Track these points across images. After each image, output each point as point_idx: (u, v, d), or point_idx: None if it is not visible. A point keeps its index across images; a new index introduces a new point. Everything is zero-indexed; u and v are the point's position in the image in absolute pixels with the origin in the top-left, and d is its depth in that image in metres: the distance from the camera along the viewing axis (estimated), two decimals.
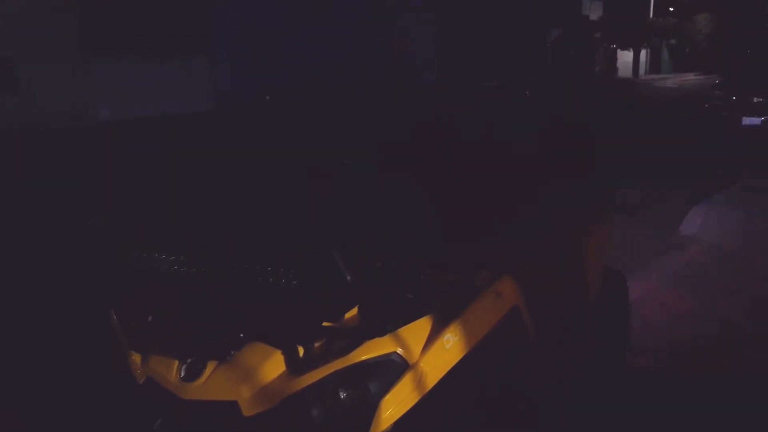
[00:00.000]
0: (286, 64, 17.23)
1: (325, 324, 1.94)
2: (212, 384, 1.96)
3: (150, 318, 2.10)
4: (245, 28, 16.78)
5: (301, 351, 1.93)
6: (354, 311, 1.98)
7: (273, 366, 1.93)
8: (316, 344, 1.92)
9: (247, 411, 1.90)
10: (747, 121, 12.19)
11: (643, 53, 36.30)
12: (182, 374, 2.02)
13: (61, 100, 13.67)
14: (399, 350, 1.89)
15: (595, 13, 31.48)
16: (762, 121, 12.05)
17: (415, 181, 2.43)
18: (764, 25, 30.94)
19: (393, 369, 1.88)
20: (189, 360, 2.02)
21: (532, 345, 2.34)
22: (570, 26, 25.36)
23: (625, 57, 34.57)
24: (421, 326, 1.97)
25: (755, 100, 12.29)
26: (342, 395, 1.86)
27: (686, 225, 6.60)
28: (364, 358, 1.86)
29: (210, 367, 1.98)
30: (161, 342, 2.07)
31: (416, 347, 1.93)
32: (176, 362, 2.04)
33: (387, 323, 1.89)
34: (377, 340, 1.87)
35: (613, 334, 3.33)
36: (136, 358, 2.16)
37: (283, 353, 1.93)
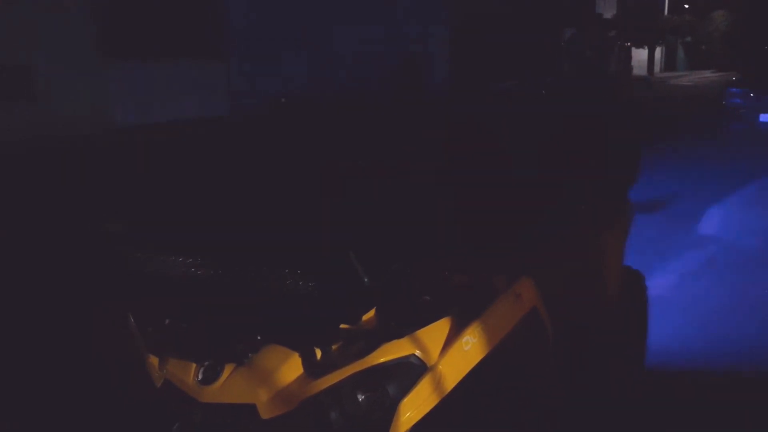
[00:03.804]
0: (300, 68, 17.27)
1: (342, 326, 1.92)
2: (230, 387, 1.95)
3: (167, 321, 2.10)
4: (259, 32, 16.84)
5: (318, 354, 1.92)
6: (371, 313, 1.96)
7: (290, 369, 1.92)
8: (334, 347, 1.91)
9: (265, 414, 1.89)
10: (765, 117, 12.06)
11: (658, 51, 36.02)
12: (200, 377, 2.01)
13: (79, 106, 13.76)
14: (417, 352, 1.87)
15: (609, 12, 31.28)
16: None
17: (431, 182, 2.42)
18: None
19: (411, 371, 1.86)
20: (206, 363, 2.02)
21: (551, 346, 2.32)
22: (584, 25, 25.20)
23: (639, 55, 34.29)
24: (440, 328, 1.95)
25: None
26: (360, 398, 1.85)
27: (705, 224, 6.56)
28: (382, 360, 1.84)
29: (227, 370, 1.97)
30: (178, 345, 2.07)
31: (435, 349, 1.91)
32: (194, 365, 2.04)
33: (405, 325, 1.88)
34: (395, 342, 1.86)
35: (633, 335, 3.30)
36: (154, 361, 2.17)
37: (300, 356, 1.92)
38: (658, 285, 4.32)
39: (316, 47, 17.70)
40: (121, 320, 2.16)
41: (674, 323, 4.08)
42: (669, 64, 37.69)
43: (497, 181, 2.54)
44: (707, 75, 31.86)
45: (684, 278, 5.07)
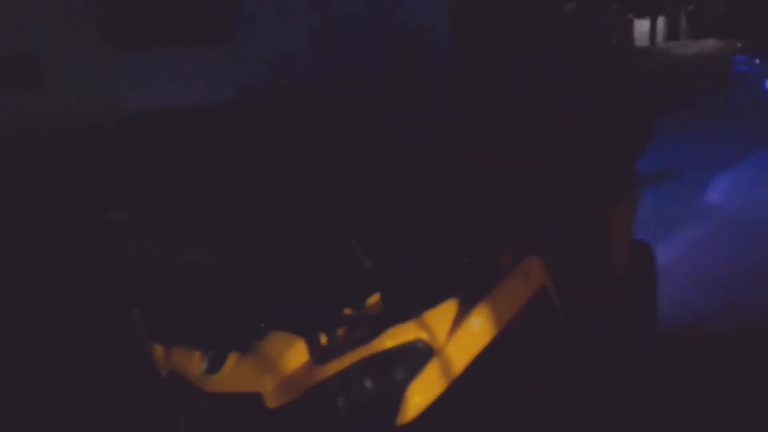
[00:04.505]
0: (306, 53, 17.14)
1: (346, 312, 1.89)
2: (235, 375, 1.92)
3: (170, 311, 2.07)
4: (266, 18, 16.72)
5: (323, 339, 1.89)
6: (375, 297, 1.93)
7: (296, 355, 1.88)
8: (339, 332, 1.87)
9: (271, 402, 1.86)
10: None
11: (660, 21, 35.61)
12: (204, 366, 1.99)
13: (89, 95, 13.72)
14: (424, 336, 1.84)
15: None
16: None
17: (434, 161, 2.36)
18: None
19: (418, 355, 1.82)
20: (211, 352, 1.99)
21: (560, 324, 2.28)
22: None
23: (642, 26, 33.93)
24: (446, 310, 1.90)
25: None
26: (367, 384, 1.81)
27: (711, 192, 6.51)
28: (388, 345, 1.81)
29: (232, 358, 1.95)
30: (182, 334, 2.04)
31: (441, 332, 1.87)
32: (198, 354, 2.01)
33: (410, 309, 1.84)
34: (401, 326, 1.82)
35: (642, 308, 3.26)
36: (159, 350, 2.14)
37: (305, 342, 1.89)
38: (665, 256, 4.29)
39: (320, 33, 17.56)
40: (125, 311, 2.14)
41: (683, 294, 4.04)
42: (672, 34, 37.26)
43: (499, 159, 2.49)
44: (710, 44, 31.48)
45: (691, 248, 5.02)
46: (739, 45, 14.14)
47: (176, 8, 14.81)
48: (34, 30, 12.81)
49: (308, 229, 1.84)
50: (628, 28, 32.46)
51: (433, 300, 1.90)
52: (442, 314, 1.89)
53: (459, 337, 1.89)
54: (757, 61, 12.57)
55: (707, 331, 3.66)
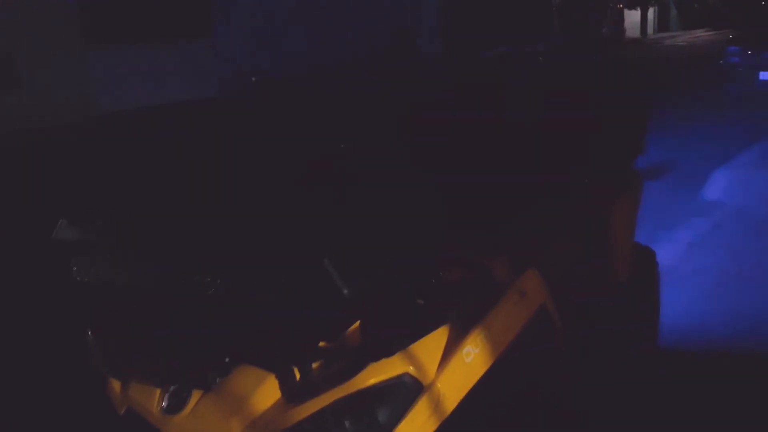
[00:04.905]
0: (287, 46, 16.88)
1: (321, 344, 1.65)
2: (198, 417, 1.69)
3: (128, 340, 1.83)
4: (245, 12, 16.45)
5: (297, 375, 1.66)
6: (355, 326, 1.69)
7: (266, 393, 1.65)
8: (314, 366, 1.64)
9: None
10: (764, 75, 11.80)
11: (651, 11, 35.48)
12: (164, 405, 1.76)
13: (63, 94, 13.49)
14: (411, 370, 1.61)
15: None
16: None
17: (418, 161, 2.12)
18: None
19: (405, 393, 1.60)
20: (171, 389, 1.76)
21: (560, 345, 2.06)
22: None
23: (632, 16, 33.77)
24: (436, 339, 1.68)
25: None
26: (347, 427, 1.59)
27: (709, 188, 6.36)
28: (370, 382, 1.59)
29: (195, 396, 1.72)
30: (140, 367, 1.81)
31: (431, 365, 1.65)
32: (158, 391, 1.79)
33: (395, 339, 1.61)
34: (384, 360, 1.59)
35: (645, 316, 3.06)
36: (116, 385, 1.91)
37: (276, 378, 1.66)
38: (665, 256, 4.12)
39: (303, 25, 17.33)
40: (79, 337, 1.89)
41: (685, 296, 3.89)
42: (662, 24, 37.13)
43: (491, 159, 2.27)
44: (700, 34, 31.38)
45: (692, 247, 4.87)
46: (731, 36, 13.98)
47: (153, 3, 14.53)
48: (8, 29, 12.54)
49: (279, 247, 1.59)
50: (618, 19, 32.33)
51: (421, 328, 1.67)
52: (432, 344, 1.67)
53: (451, 369, 1.67)
54: (750, 52, 12.42)
55: (708, 335, 3.50)
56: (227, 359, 1.66)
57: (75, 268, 1.81)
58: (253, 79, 12.51)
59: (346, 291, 1.46)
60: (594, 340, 2.40)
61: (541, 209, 2.27)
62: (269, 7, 16.70)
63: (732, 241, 4.96)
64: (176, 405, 1.73)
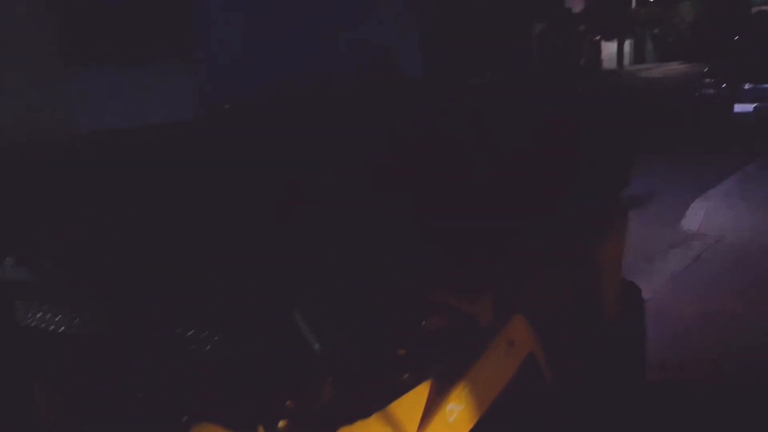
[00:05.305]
0: (267, 68, 16.86)
1: (289, 403, 1.47)
2: None
3: (77, 395, 1.69)
4: (226, 34, 16.43)
5: None
6: (328, 383, 1.49)
7: None
8: (281, 426, 1.51)
9: None
10: (739, 108, 12.00)
11: (627, 44, 36.14)
12: None
13: (41, 114, 13.29)
14: None
15: (577, 6, 31.27)
16: (754, 108, 11.86)
17: (400, 192, 2.01)
18: (748, 11, 30.85)
19: None
20: None
21: (550, 393, 1.96)
22: (554, 20, 25.12)
23: (609, 48, 34.37)
24: (417, 398, 1.54)
25: (746, 87, 12.12)
26: None
27: (688, 220, 6.39)
28: None
29: None
30: (91, 423, 1.66)
31: (411, 426, 1.51)
32: None
33: (371, 398, 1.46)
34: (359, 423, 1.44)
35: (632, 353, 2.98)
36: None
37: None
38: (648, 288, 4.09)
39: (283, 47, 17.31)
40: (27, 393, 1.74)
41: (668, 331, 3.84)
42: (638, 56, 37.83)
43: (471, 192, 2.17)
44: (675, 66, 31.98)
45: (673, 280, 4.87)
46: (706, 69, 14.23)
47: (132, 21, 14.43)
48: None
49: (241, 297, 1.45)
50: (596, 50, 32.89)
51: (400, 386, 1.53)
52: (412, 402, 1.53)
53: (433, 429, 1.54)
54: (724, 85, 12.65)
55: (694, 370, 3.49)
56: (185, 418, 1.51)
57: (20, 312, 1.68)
58: (226, 106, 12.40)
59: (317, 346, 1.34)
60: (583, 379, 2.31)
61: (526, 246, 2.18)
62: (250, 29, 16.69)
63: (712, 271, 4.97)
64: None
